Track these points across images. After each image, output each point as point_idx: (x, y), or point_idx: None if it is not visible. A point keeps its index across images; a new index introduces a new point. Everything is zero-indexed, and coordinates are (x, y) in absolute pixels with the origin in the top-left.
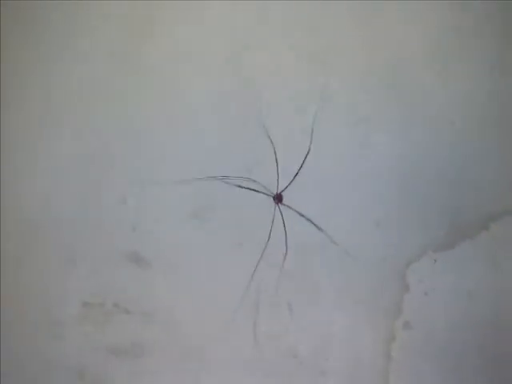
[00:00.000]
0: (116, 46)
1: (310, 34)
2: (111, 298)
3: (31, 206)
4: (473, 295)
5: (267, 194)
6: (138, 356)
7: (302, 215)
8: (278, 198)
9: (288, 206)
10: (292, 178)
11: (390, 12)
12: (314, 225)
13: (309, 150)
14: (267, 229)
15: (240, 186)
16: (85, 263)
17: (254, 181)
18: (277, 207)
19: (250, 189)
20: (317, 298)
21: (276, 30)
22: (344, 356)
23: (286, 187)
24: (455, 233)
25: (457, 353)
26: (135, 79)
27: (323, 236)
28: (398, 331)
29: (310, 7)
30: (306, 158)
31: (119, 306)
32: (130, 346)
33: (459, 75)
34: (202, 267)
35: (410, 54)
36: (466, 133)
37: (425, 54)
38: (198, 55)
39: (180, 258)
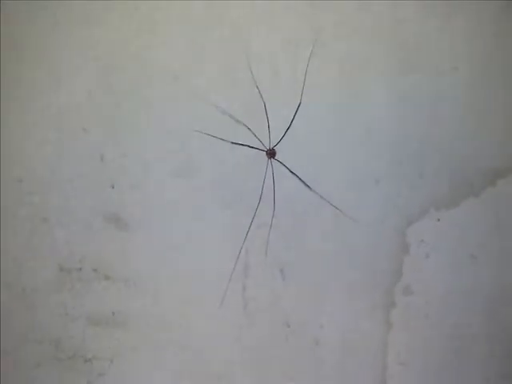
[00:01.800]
0: None
1: None
2: (89, 262)
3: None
4: (477, 257)
5: (260, 149)
6: (120, 326)
7: (294, 173)
8: (271, 153)
9: (280, 162)
10: (284, 132)
11: None
12: (306, 185)
13: (300, 102)
14: (257, 186)
15: (233, 143)
16: (60, 224)
17: (249, 128)
18: (269, 163)
19: (244, 144)
20: (310, 261)
21: None
22: (339, 324)
23: (279, 141)
24: (459, 190)
25: (459, 319)
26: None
27: (318, 195)
28: (398, 296)
29: None
30: (297, 110)
31: (98, 272)
32: (111, 314)
33: (462, 20)
34: (187, 228)
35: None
36: (469, 80)
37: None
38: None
39: (163, 218)
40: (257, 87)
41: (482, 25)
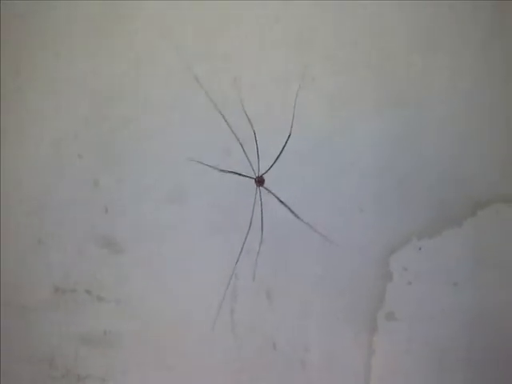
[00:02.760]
0: None
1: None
2: (83, 284)
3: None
4: (458, 284)
5: (249, 177)
6: (112, 345)
7: (281, 201)
8: (260, 181)
9: (269, 190)
10: (273, 161)
11: None
12: (293, 213)
13: (290, 134)
14: (246, 213)
15: (222, 170)
16: (55, 246)
17: (243, 149)
18: (258, 190)
19: (233, 172)
20: (296, 286)
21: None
22: (324, 347)
23: (268, 170)
24: (441, 219)
25: (441, 343)
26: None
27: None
28: (381, 321)
29: None
30: (286, 142)
31: (91, 293)
32: (103, 334)
33: (448, 56)
34: (178, 253)
35: (398, 38)
36: (452, 113)
37: (413, 36)
38: (173, 30)
39: (155, 242)
40: (247, 118)
41: (466, 59)
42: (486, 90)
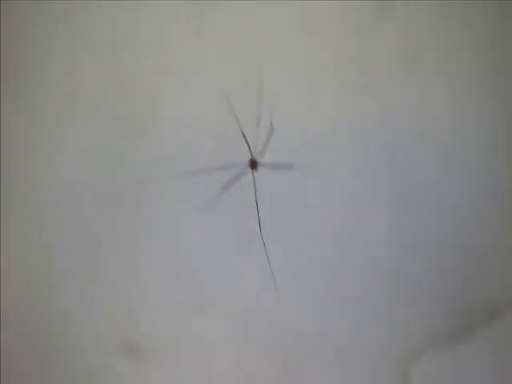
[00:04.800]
0: None
1: None
2: None
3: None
4: None
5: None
6: None
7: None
8: (253, 163)
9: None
10: None
11: None
12: None
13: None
14: (266, 320)
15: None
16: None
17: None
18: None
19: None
20: None
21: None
22: None
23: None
24: (457, 328)
25: None
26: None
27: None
28: None
29: None
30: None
31: None
32: None
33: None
34: (200, 361)
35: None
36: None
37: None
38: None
39: (178, 349)
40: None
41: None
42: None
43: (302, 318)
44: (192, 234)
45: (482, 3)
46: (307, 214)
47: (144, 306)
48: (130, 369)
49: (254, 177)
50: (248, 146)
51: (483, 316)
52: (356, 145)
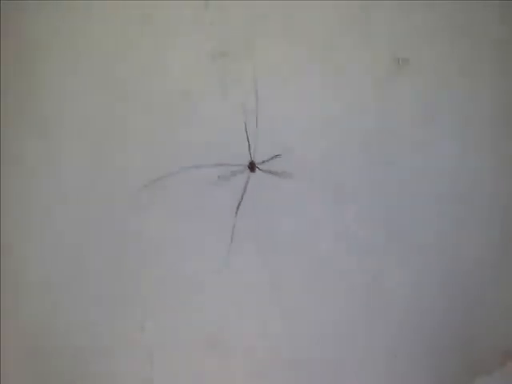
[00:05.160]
0: None
1: None
2: None
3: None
4: None
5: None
6: None
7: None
8: (252, 167)
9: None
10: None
11: None
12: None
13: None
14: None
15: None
16: None
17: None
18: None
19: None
20: None
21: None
22: None
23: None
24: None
25: None
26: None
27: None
28: None
29: None
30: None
31: None
32: None
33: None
34: None
35: None
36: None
37: None
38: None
39: None
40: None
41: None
42: None
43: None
44: None
45: (491, 60)
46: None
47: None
48: None
49: (248, 178)
50: (249, 149)
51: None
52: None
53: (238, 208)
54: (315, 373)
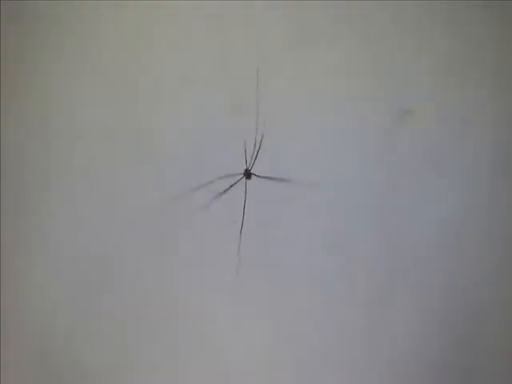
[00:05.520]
0: None
1: None
2: None
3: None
4: None
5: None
6: None
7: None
8: (248, 175)
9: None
10: None
11: None
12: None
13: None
14: None
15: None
16: None
17: None
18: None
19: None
20: None
21: None
22: None
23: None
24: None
25: None
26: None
27: None
28: None
29: None
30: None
31: None
32: None
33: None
34: None
35: None
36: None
37: None
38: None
39: None
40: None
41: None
42: None
43: None
44: None
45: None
46: None
47: None
48: None
49: (246, 185)
50: (246, 157)
51: None
52: None
53: (241, 227)
54: None
